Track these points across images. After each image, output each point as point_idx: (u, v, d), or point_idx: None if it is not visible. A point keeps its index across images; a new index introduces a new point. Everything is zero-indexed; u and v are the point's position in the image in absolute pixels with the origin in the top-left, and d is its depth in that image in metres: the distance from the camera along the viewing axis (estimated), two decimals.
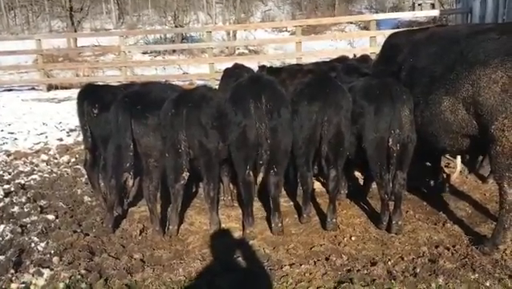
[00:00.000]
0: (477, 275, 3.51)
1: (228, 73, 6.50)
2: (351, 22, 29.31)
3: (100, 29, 41.91)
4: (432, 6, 32.60)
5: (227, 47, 23.23)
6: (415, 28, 4.98)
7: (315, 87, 4.22)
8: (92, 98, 4.70)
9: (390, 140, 3.99)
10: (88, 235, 4.47)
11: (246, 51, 24.26)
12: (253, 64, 17.23)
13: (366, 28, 21.53)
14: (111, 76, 16.10)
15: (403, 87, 4.11)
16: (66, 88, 14.92)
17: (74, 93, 5.09)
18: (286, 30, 30.62)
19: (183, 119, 4.03)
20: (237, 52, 23.84)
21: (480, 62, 3.52)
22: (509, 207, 3.65)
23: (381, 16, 16.83)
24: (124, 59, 14.95)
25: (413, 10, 33.78)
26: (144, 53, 22.54)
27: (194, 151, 4.13)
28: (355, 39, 19.49)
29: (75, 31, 26.74)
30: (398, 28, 22.55)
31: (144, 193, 4.41)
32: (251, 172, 4.16)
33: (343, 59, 7.23)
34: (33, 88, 15.65)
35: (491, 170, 3.91)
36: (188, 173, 4.17)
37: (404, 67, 4.27)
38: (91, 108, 4.63)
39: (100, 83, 5.50)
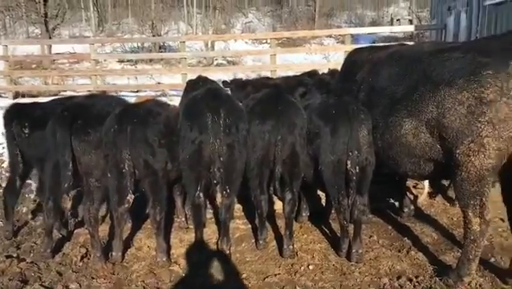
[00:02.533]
0: None
1: (190, 86, 6.19)
2: (330, 36, 29.40)
3: (79, 36, 41.32)
4: (410, 22, 33.06)
5: (205, 58, 22.96)
6: (377, 45, 4.76)
7: (268, 104, 3.94)
8: (21, 117, 4.36)
9: (348, 162, 3.73)
10: (24, 261, 4.09)
11: (225, 62, 24.05)
12: (229, 75, 17.07)
13: (343, 42, 21.55)
14: (81, 85, 15.67)
15: (361, 106, 3.86)
16: (34, 96, 14.39)
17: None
18: (267, 42, 30.58)
19: (127, 136, 3.70)
20: (215, 63, 23.61)
21: (445, 82, 3.29)
22: (474, 237, 3.41)
23: (356, 30, 16.82)
24: (94, 68, 14.51)
25: (392, 25, 34.20)
26: (121, 61, 22.15)
27: (139, 171, 3.80)
28: (331, 53, 19.41)
29: (50, 38, 26.18)
30: (375, 43, 22.70)
31: (84, 215, 4.05)
32: (201, 194, 3.85)
33: (313, 74, 7.03)
34: None
35: (455, 197, 3.66)
36: (132, 196, 3.83)
37: (364, 87, 4.04)
38: (20, 128, 4.28)
39: (28, 101, 5.12)
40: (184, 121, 3.83)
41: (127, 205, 3.86)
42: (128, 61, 22.32)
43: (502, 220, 4.27)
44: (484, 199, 3.31)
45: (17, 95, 14.75)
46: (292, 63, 19.05)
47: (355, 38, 27.27)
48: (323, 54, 19.97)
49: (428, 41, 10.76)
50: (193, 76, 14.25)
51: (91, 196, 3.93)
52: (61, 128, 3.76)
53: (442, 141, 3.37)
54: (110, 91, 14.69)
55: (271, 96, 4.10)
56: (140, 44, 26.62)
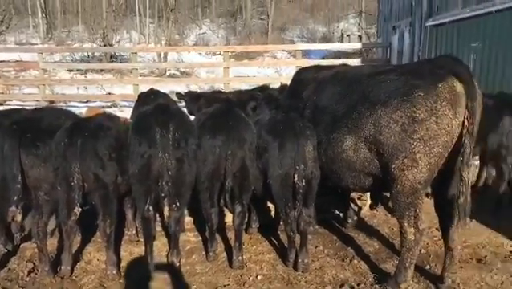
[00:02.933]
0: None
1: (142, 99, 6.23)
2: (284, 50, 29.94)
3: (26, 43, 39.95)
4: (360, 38, 34.30)
5: (157, 68, 22.83)
6: (322, 65, 5.01)
7: (219, 120, 4.09)
8: None
9: (295, 175, 3.91)
10: None
11: (177, 73, 23.99)
12: (181, 87, 17.09)
13: (295, 57, 22.08)
14: (28, 94, 15.22)
15: (307, 123, 4.08)
16: None
17: None
18: (220, 54, 30.75)
19: (77, 149, 3.73)
20: (167, 74, 23.51)
21: (381, 102, 3.54)
22: (409, 246, 3.66)
23: (308, 46, 17.38)
24: (42, 77, 14.16)
25: (342, 40, 35.29)
26: (70, 71, 21.63)
27: (89, 184, 3.82)
28: (283, 67, 19.85)
29: None
30: (325, 58, 23.37)
31: (32, 228, 4.01)
32: (151, 207, 3.92)
33: (265, 88, 7.23)
34: None
35: (393, 209, 3.92)
36: (80, 209, 3.84)
37: (309, 104, 4.26)
38: None
39: None
40: (133, 136, 3.89)
41: (74, 218, 3.85)
42: (77, 70, 21.85)
43: (438, 229, 4.56)
44: (418, 210, 3.57)
45: None
46: (246, 75, 19.36)
47: (306, 53, 28.06)
48: (276, 68, 20.35)
49: (367, 64, 11.23)
50: (145, 87, 14.25)
51: (40, 209, 3.90)
52: (9, 141, 3.73)
53: (379, 157, 3.62)
54: (59, 101, 14.38)
55: (222, 112, 4.24)
56: (90, 53, 26.13)
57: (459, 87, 3.34)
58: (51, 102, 13.95)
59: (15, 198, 3.81)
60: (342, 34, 37.82)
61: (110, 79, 18.27)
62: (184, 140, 3.84)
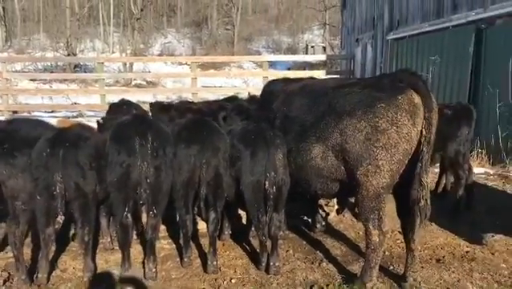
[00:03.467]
0: None
1: (114, 109, 6.31)
2: (251, 60, 30.31)
3: None
4: (324, 49, 35.08)
5: (123, 78, 22.73)
6: (291, 78, 5.26)
7: (193, 130, 4.27)
8: None
9: (266, 182, 4.12)
10: None
11: (144, 83, 23.95)
12: (148, 97, 17.09)
13: (262, 67, 22.44)
14: None
15: (277, 132, 4.30)
16: None
17: None
18: (186, 64, 30.82)
19: (59, 159, 3.83)
20: (133, 83, 23.44)
21: (346, 112, 3.81)
22: (374, 247, 3.91)
23: (274, 58, 17.70)
24: (5, 87, 13.91)
25: (306, 51, 35.99)
26: (32, 80, 21.27)
27: (70, 193, 3.91)
28: (250, 78, 20.16)
29: None
30: (291, 69, 23.85)
31: (9, 238, 4.05)
32: (129, 215, 4.04)
33: (234, 99, 7.40)
34: None
35: (358, 212, 4.18)
36: (63, 217, 3.93)
37: (279, 115, 4.49)
38: None
39: None
40: (112, 145, 4.01)
41: (56, 226, 3.94)
42: (40, 80, 21.52)
43: (400, 233, 4.84)
44: (381, 213, 3.84)
45: None
46: (213, 86, 19.53)
47: (272, 64, 28.50)
48: (243, 78, 20.63)
49: (332, 77, 11.65)
50: (111, 97, 14.22)
51: (17, 219, 3.96)
52: None
53: (345, 164, 3.88)
54: (22, 110, 14.16)
55: (196, 122, 4.42)
56: (53, 62, 25.73)
57: (417, 99, 3.64)
58: (15, 112, 13.72)
59: None
60: (306, 46, 38.56)
61: (76, 90, 18.07)
62: (162, 149, 3.99)
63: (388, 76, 4.00)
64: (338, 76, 13.50)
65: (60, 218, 3.93)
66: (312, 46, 36.89)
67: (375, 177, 3.72)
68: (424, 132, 3.66)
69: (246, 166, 4.19)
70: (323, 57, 17.69)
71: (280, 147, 4.19)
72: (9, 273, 4.27)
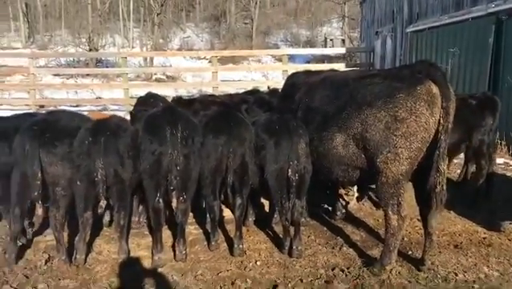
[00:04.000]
0: None
1: (141, 102, 6.57)
2: (270, 54, 30.38)
3: (7, 47, 39.76)
4: (343, 41, 34.93)
5: (144, 73, 23.08)
6: (312, 70, 5.44)
7: (221, 121, 4.50)
8: None
9: (289, 170, 4.33)
10: None
11: (164, 77, 24.28)
12: (169, 91, 17.41)
13: (281, 60, 22.57)
14: (18, 99, 15.39)
15: (299, 122, 4.50)
16: None
17: None
18: (205, 58, 31.07)
19: (101, 147, 4.10)
20: (154, 77, 23.78)
21: (367, 103, 3.99)
22: (393, 231, 4.11)
23: (293, 51, 17.76)
24: (33, 82, 14.35)
25: (325, 44, 35.84)
26: (56, 75, 21.77)
27: (109, 179, 4.19)
28: (269, 71, 20.27)
29: None
30: (310, 62, 23.91)
31: (50, 221, 4.36)
32: (161, 200, 4.29)
33: (254, 92, 7.61)
34: None
35: (378, 198, 4.36)
36: (105, 201, 4.22)
37: (301, 106, 4.69)
38: None
39: None
40: (145, 135, 4.27)
41: (100, 211, 4.24)
42: (63, 75, 22.00)
43: (419, 220, 5.00)
44: (400, 199, 4.02)
45: None
46: (232, 80, 19.74)
47: (291, 57, 28.59)
48: (262, 72, 20.76)
49: (353, 69, 11.74)
50: (134, 91, 14.54)
51: (57, 204, 4.25)
52: (30, 140, 4.09)
53: (366, 152, 4.07)
54: (49, 105, 14.57)
55: (224, 114, 4.66)
56: (76, 58, 26.21)
57: (435, 89, 3.81)
58: (42, 106, 14.15)
59: (35, 194, 4.16)
60: (325, 39, 38.39)
61: (100, 84, 18.47)
62: (191, 139, 4.24)
63: (408, 67, 4.16)
64: (358, 69, 13.58)
65: (102, 203, 4.21)
66: (331, 39, 36.72)
67: (395, 164, 3.90)
68: (441, 121, 3.83)
69: (270, 155, 4.40)
70: (342, 50, 17.75)
71: (302, 136, 4.40)
72: (49, 255, 4.57)
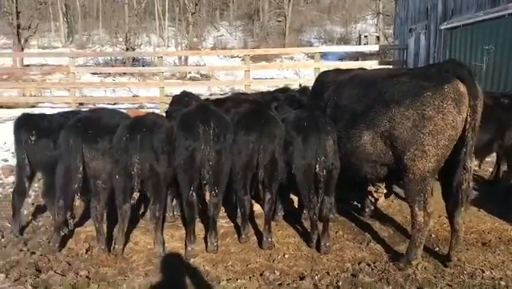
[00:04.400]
0: (390, 287, 3.99)
1: (176, 100, 6.82)
2: (303, 52, 30.35)
3: (48, 47, 41.21)
4: (377, 39, 34.51)
5: (178, 72, 23.50)
6: (342, 68, 5.53)
7: (252, 118, 4.67)
8: (29, 126, 4.89)
9: (317, 166, 4.46)
10: (34, 254, 4.64)
11: (198, 76, 24.69)
12: (203, 89, 17.72)
13: (313, 58, 22.58)
14: (58, 97, 15.99)
15: (328, 119, 4.62)
16: (10, 108, 14.64)
17: (19, 113, 5.26)
18: (238, 57, 31.36)
19: (137, 143, 4.35)
20: (188, 76, 24.21)
21: (395, 101, 4.08)
22: (419, 227, 4.18)
23: (326, 49, 17.77)
24: (73, 80, 14.90)
25: (359, 41, 35.53)
26: (94, 74, 22.45)
27: (144, 173, 4.43)
28: (301, 69, 20.32)
29: (22, 49, 26.27)
30: (343, 59, 23.81)
31: (91, 212, 4.64)
32: (194, 194, 4.50)
33: (285, 90, 7.74)
34: None
35: (405, 195, 4.43)
36: (138, 194, 4.45)
37: (330, 104, 4.80)
38: (28, 136, 4.82)
39: (36, 112, 5.67)
40: (179, 131, 4.48)
41: (132, 202, 4.48)
42: (100, 73, 22.66)
43: (447, 217, 5.04)
44: (426, 196, 4.10)
45: None
46: (264, 78, 19.91)
47: (324, 55, 28.51)
48: (294, 70, 20.83)
49: (382, 68, 11.61)
50: (169, 90, 14.89)
51: (98, 196, 4.53)
52: (74, 136, 4.37)
53: (393, 149, 4.16)
54: (88, 103, 15.10)
55: (255, 111, 4.83)
56: (113, 57, 26.89)
57: (462, 87, 3.86)
58: (81, 104, 14.68)
59: (76, 186, 4.44)
60: (359, 35, 38.05)
61: (137, 82, 18.96)
62: (222, 135, 4.42)
63: (435, 66, 4.22)
64: (389, 67, 13.49)
65: (135, 195, 4.45)
66: (365, 36, 36.38)
67: (422, 161, 3.98)
68: (469, 119, 3.87)
69: (298, 151, 4.54)
70: (375, 47, 17.59)
71: (330, 133, 4.51)
72: (89, 244, 4.85)
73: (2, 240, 4.97)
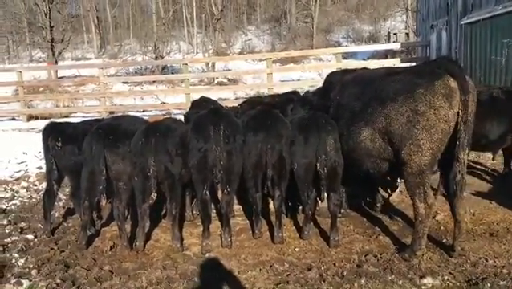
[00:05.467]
0: (393, 276, 4.18)
1: (196, 105, 7.16)
2: (326, 53, 30.32)
3: (81, 58, 42.59)
4: (407, 35, 34.11)
5: (206, 78, 23.96)
6: (349, 69, 5.72)
7: (259, 120, 4.95)
8: (55, 133, 5.31)
9: (317, 164, 4.68)
10: (64, 251, 5.05)
11: (225, 81, 25.11)
12: (228, 93, 18.07)
13: (344, 58, 22.74)
14: (90, 106, 16.66)
15: (329, 119, 4.84)
16: (46, 118, 15.31)
17: None
18: (266, 60, 31.56)
19: (152, 147, 4.69)
20: (216, 81, 24.66)
21: (390, 98, 4.28)
22: (421, 218, 4.36)
23: (348, 49, 17.84)
24: (104, 90, 15.51)
25: (389, 39, 35.16)
26: (125, 83, 23.16)
27: (160, 175, 4.77)
28: (325, 70, 20.39)
29: (56, 62, 27.33)
30: (373, 57, 23.72)
31: (113, 212, 5.02)
32: (208, 192, 4.80)
33: (296, 92, 7.88)
34: (13, 118, 16.08)
35: (406, 189, 4.60)
36: (156, 194, 4.79)
37: (334, 103, 5.03)
38: (55, 143, 5.24)
39: (61, 121, 6.12)
40: (192, 134, 4.80)
41: (151, 202, 4.83)
42: (131, 82, 23.35)
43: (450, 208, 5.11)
44: (426, 188, 4.27)
45: (30, 117, 15.78)
46: (291, 80, 20.12)
47: (353, 54, 28.46)
48: (318, 71, 20.95)
49: (383, 67, 11.59)
50: (196, 96, 15.29)
51: (120, 197, 4.90)
52: (97, 142, 4.76)
53: (391, 144, 4.35)
54: (118, 111, 15.68)
55: (262, 113, 5.11)
56: (143, 65, 27.62)
57: (453, 83, 4.02)
58: (111, 113, 15.27)
59: (100, 188, 4.82)
60: (389, 33, 37.62)
61: (164, 90, 19.50)
62: (232, 136, 4.71)
63: (429, 64, 4.39)
64: (412, 64, 13.45)
65: (153, 195, 4.79)
66: (395, 34, 35.93)
67: (418, 155, 4.16)
68: (461, 113, 4.03)
69: (299, 150, 4.79)
70: (397, 45, 17.55)
71: (331, 133, 4.73)
72: (113, 242, 5.23)
73: (35, 240, 5.41)
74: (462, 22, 12.09)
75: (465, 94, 3.99)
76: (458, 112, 4.04)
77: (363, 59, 22.94)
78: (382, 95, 4.34)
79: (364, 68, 5.51)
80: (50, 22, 26.96)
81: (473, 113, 4.07)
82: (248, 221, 5.67)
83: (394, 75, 4.37)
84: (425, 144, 4.10)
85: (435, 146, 4.11)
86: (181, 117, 6.42)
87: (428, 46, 15.04)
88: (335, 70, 13.55)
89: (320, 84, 9.23)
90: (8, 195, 7.28)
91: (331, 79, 5.62)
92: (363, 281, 4.12)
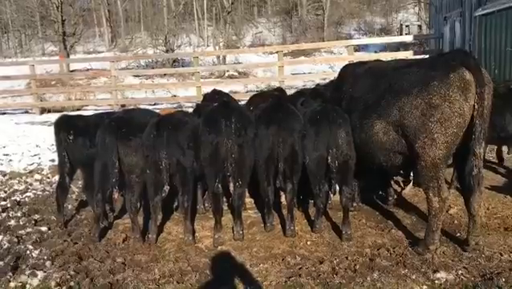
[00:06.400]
0: (406, 270, 4.15)
1: (207, 98, 7.16)
2: (336, 46, 30.08)
3: (93, 51, 42.76)
4: (419, 28, 33.78)
5: (217, 70, 23.93)
6: (362, 61, 5.65)
7: (271, 113, 4.92)
8: (67, 126, 5.34)
9: (329, 157, 4.66)
10: (77, 243, 5.09)
11: (236, 74, 25.06)
12: (239, 86, 18.05)
13: (356, 50, 22.57)
14: (102, 100, 16.76)
15: (340, 112, 4.80)
16: (58, 112, 15.39)
17: None
18: (277, 53, 31.45)
19: (164, 140, 4.70)
20: (226, 74, 24.62)
21: (404, 91, 4.23)
22: (435, 212, 4.32)
23: (358, 42, 17.69)
24: (115, 83, 15.57)
25: (401, 31, 34.84)
26: (136, 76, 23.22)
27: (172, 167, 4.78)
28: (336, 63, 20.30)
29: (68, 55, 27.49)
30: (385, 50, 23.53)
31: (126, 204, 5.04)
32: (219, 185, 4.80)
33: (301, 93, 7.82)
34: (26, 112, 16.24)
35: (420, 182, 4.55)
36: (168, 187, 4.80)
37: (346, 96, 4.99)
38: (66, 136, 5.26)
39: (73, 114, 6.14)
40: (203, 128, 4.79)
41: (163, 195, 4.84)
42: (142, 75, 23.40)
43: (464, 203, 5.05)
44: (440, 182, 4.22)
45: (43, 110, 15.92)
46: (303, 72, 20.03)
47: (364, 47, 28.21)
48: (329, 64, 20.83)
49: (395, 59, 11.47)
50: (207, 88, 15.31)
51: (132, 189, 4.92)
52: (109, 135, 4.78)
53: (405, 137, 4.31)
54: (129, 104, 15.75)
55: (274, 106, 5.08)
56: (153, 58, 27.62)
57: (468, 75, 3.96)
58: (123, 106, 15.33)
59: (114, 180, 4.84)
60: (401, 25, 37.27)
61: (175, 83, 19.51)
62: (243, 130, 4.70)
63: (444, 56, 4.33)
64: (424, 56, 13.31)
65: (166, 188, 4.80)
66: (407, 26, 35.58)
67: (432, 148, 4.11)
68: (476, 106, 3.97)
69: (311, 143, 4.76)
70: (409, 37, 17.37)
71: (342, 126, 4.69)
72: (126, 234, 5.26)
73: (49, 232, 5.46)
74: (477, 14, 11.93)
75: (480, 86, 3.92)
76: (474, 105, 3.98)
77: (375, 52, 22.71)
78: (396, 88, 4.30)
79: (378, 60, 5.45)
80: (61, 16, 27.08)
81: (488, 106, 4.01)
82: (260, 215, 5.67)
83: (408, 68, 4.32)
84: (440, 137, 4.05)
85: (450, 140, 4.06)
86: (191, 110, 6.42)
87: (441, 38, 14.87)
88: (347, 62, 13.52)
89: (332, 77, 9.28)
90: (22, 187, 7.36)
91: (344, 71, 5.58)
92: (375, 275, 4.10)
